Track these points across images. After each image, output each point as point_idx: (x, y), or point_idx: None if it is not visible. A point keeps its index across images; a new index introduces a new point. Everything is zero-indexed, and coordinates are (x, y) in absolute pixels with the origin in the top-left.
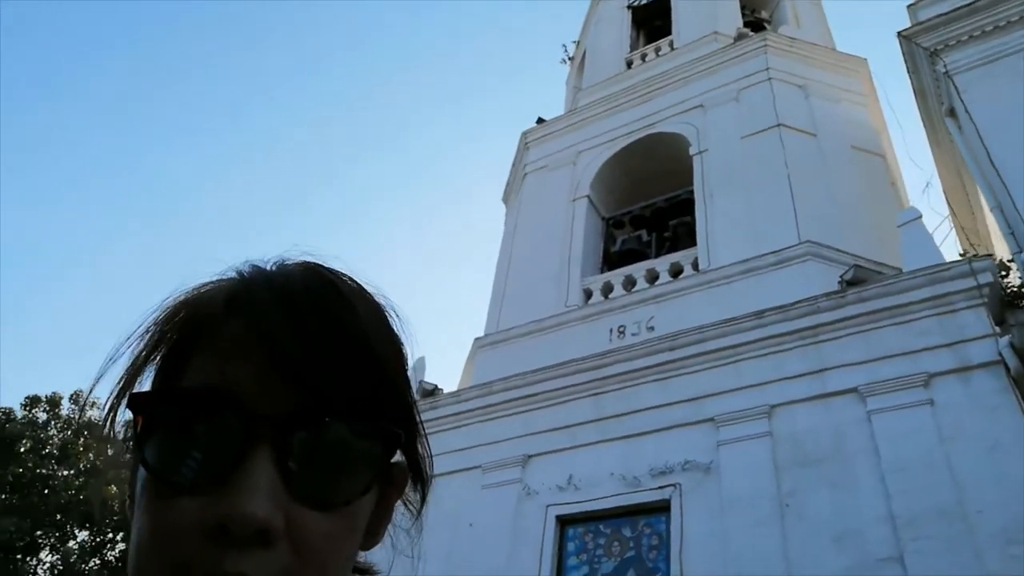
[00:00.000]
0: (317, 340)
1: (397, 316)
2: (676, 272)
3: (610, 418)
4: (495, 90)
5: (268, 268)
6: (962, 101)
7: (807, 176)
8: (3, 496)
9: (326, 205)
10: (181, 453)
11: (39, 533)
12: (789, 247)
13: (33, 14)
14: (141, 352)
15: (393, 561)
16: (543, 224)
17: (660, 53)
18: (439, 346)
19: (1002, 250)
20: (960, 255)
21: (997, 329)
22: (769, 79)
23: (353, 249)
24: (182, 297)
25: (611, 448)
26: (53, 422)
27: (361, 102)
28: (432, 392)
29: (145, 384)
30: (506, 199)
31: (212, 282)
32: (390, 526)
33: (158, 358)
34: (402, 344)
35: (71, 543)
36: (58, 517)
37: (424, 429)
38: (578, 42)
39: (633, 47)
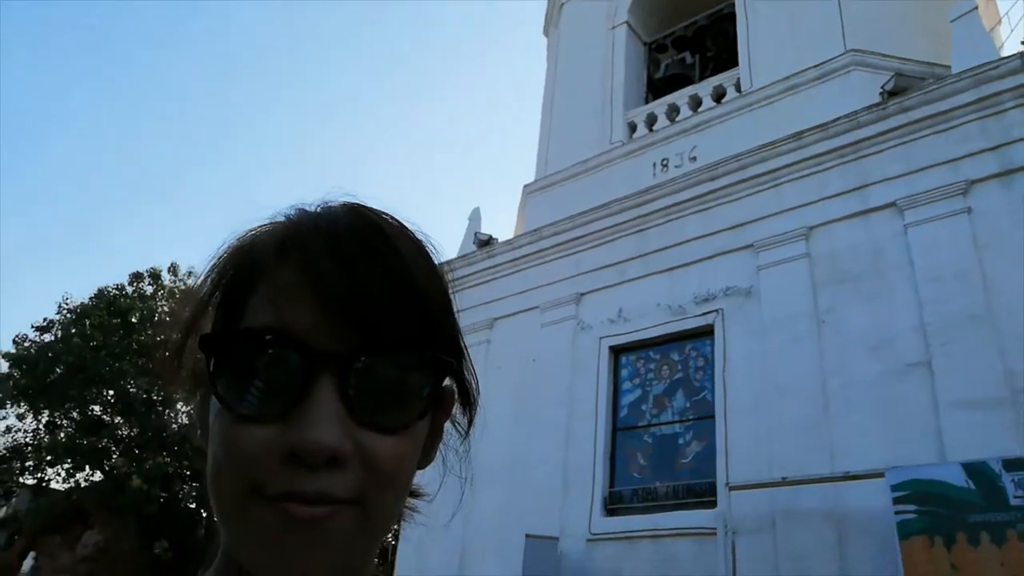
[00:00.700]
0: (366, 281)
1: (435, 251)
2: (719, 96)
3: (655, 252)
4: None
5: (314, 211)
6: None
7: None
8: (138, 360)
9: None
10: (251, 388)
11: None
12: (833, 58)
13: None
14: (203, 295)
15: (443, 480)
16: (583, 57)
17: None
18: (501, 195)
19: None
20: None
21: None
22: None
23: (408, 95)
24: (235, 243)
25: (657, 280)
26: (159, 293)
27: None
28: (487, 242)
29: (207, 325)
30: (546, 31)
31: (262, 227)
32: (441, 446)
33: (217, 301)
34: (443, 278)
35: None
36: None
37: (469, 354)
38: None
39: None
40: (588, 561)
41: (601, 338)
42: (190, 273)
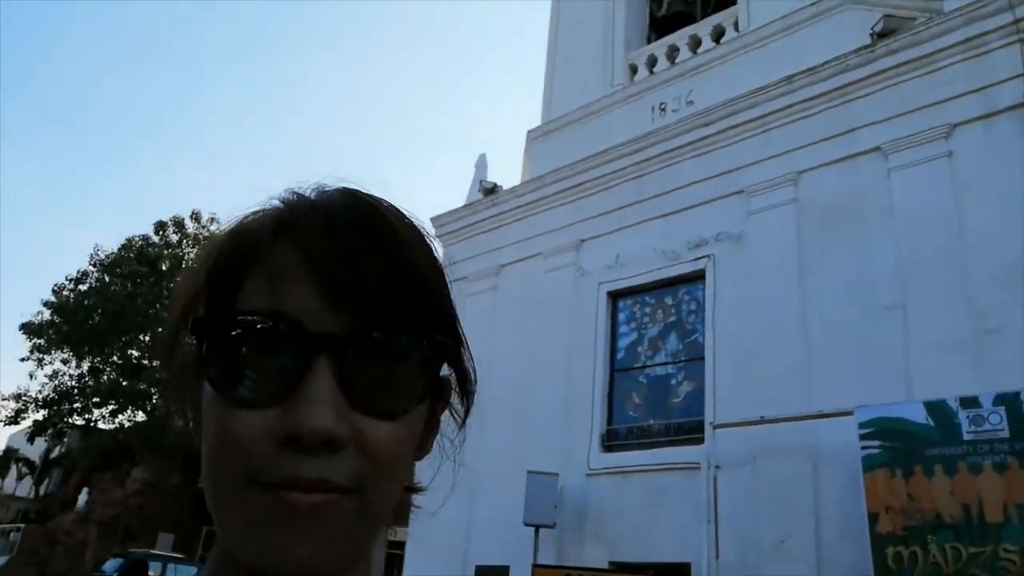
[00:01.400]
0: (365, 263)
1: (432, 237)
2: (719, 35)
3: (651, 199)
4: None
5: (309, 195)
6: None
7: None
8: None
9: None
10: (245, 372)
11: None
12: None
13: None
14: (200, 279)
15: (439, 467)
16: None
17: None
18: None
19: None
20: None
21: None
22: None
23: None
24: (232, 226)
25: (652, 226)
26: (185, 240)
27: None
28: (492, 190)
29: (200, 310)
30: None
31: (258, 211)
32: (438, 436)
33: (213, 284)
34: (439, 262)
35: None
36: None
37: (467, 341)
38: None
39: None
40: (586, 494)
41: (600, 283)
42: (212, 219)
